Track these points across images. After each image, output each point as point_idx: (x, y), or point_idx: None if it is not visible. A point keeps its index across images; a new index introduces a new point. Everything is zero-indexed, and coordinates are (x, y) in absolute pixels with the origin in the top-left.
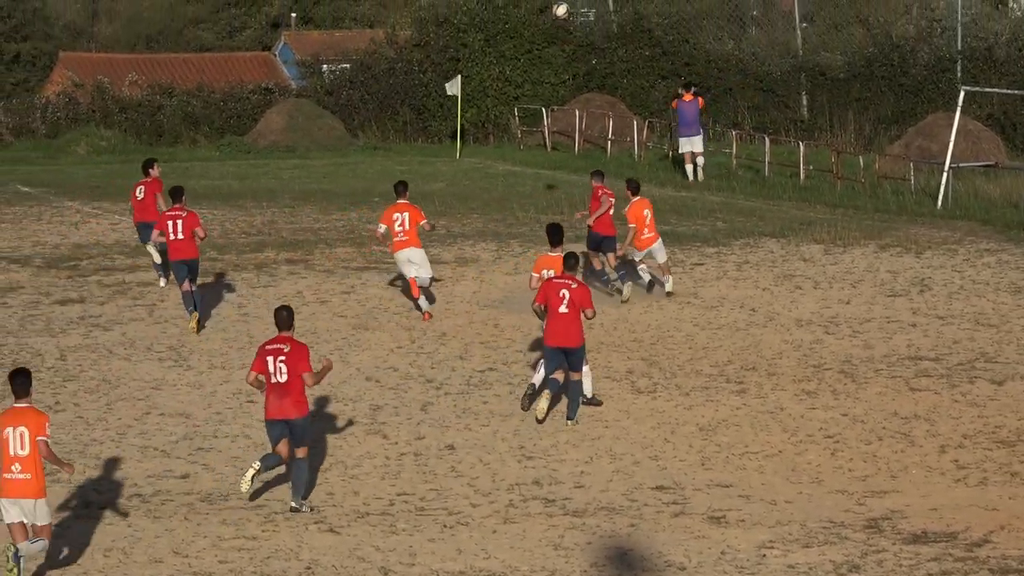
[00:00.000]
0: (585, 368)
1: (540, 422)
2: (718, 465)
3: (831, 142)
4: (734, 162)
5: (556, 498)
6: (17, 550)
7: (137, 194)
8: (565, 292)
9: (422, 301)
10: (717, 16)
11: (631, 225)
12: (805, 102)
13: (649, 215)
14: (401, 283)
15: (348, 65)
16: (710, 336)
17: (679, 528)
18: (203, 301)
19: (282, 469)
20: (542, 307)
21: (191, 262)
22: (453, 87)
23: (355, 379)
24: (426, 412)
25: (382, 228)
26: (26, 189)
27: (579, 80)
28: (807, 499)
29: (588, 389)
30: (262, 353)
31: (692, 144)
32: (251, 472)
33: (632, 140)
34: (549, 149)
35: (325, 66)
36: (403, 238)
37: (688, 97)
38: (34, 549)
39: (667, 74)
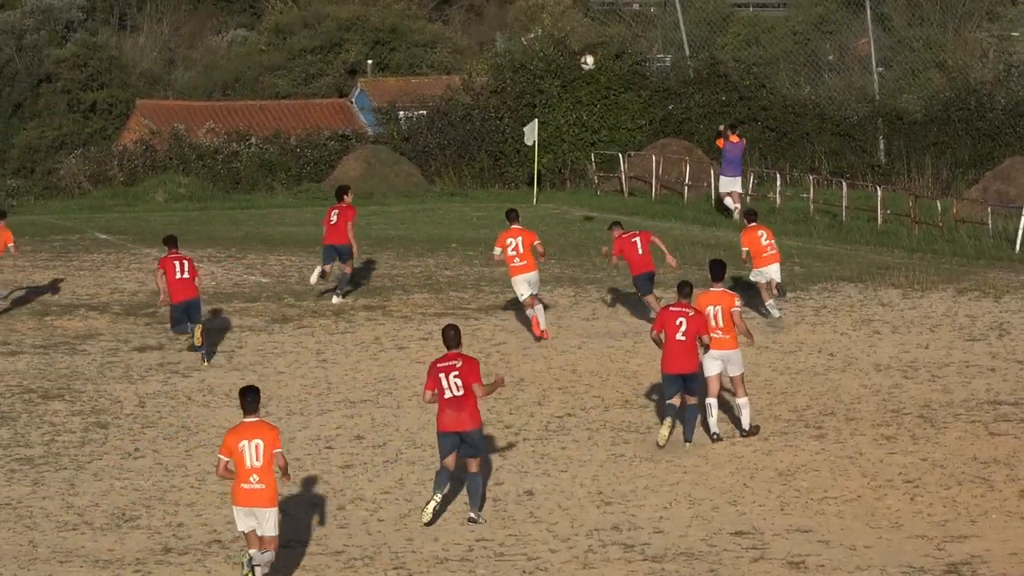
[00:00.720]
0: (744, 400)
1: (660, 447)
2: (797, 510)
3: (908, 186)
4: (811, 207)
5: (635, 543)
6: (251, 557)
7: (331, 218)
8: (682, 320)
9: (539, 310)
10: (793, 61)
11: (744, 248)
12: (882, 146)
13: (765, 236)
14: (512, 315)
15: (424, 111)
16: (788, 381)
17: (758, 573)
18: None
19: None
20: (661, 335)
21: (193, 302)
22: (531, 135)
23: (433, 426)
24: (504, 458)
25: (497, 251)
26: (104, 236)
27: (655, 125)
28: (886, 544)
29: (746, 421)
30: (434, 371)
31: (734, 184)
32: (432, 505)
33: (708, 185)
34: (626, 195)
35: (401, 112)
36: (521, 263)
37: (735, 139)
38: (264, 559)
39: (744, 119)
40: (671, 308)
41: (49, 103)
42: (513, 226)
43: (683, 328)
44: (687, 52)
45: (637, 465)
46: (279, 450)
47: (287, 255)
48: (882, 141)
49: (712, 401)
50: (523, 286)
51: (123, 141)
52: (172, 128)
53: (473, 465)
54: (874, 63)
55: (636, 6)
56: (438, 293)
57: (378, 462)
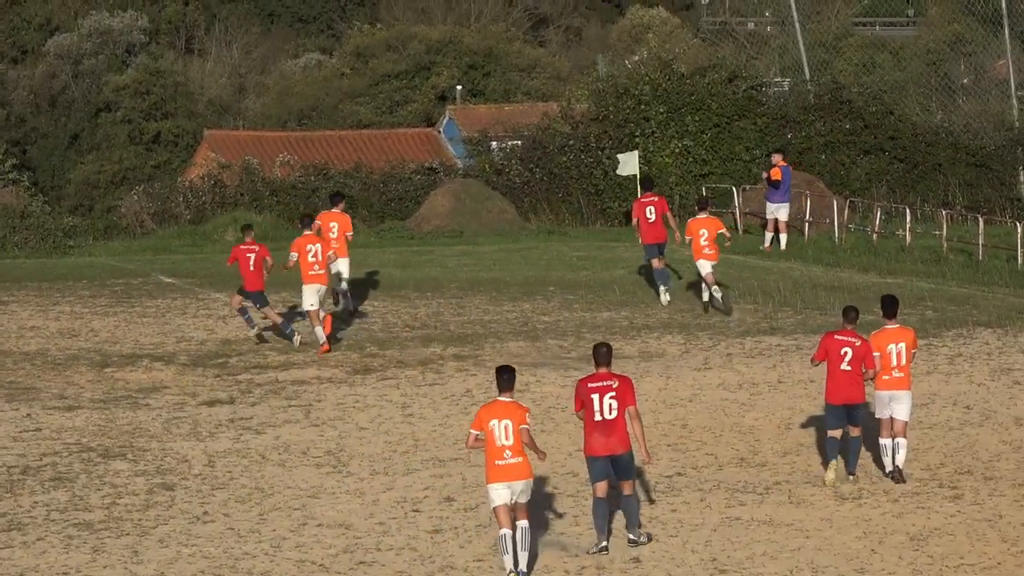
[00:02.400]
0: (903, 440)
1: (831, 486)
2: None
3: None
4: (944, 245)
5: None
6: (512, 532)
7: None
8: (848, 350)
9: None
10: (924, 85)
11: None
12: (1022, 178)
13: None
14: None
15: (519, 142)
16: (920, 436)
17: None
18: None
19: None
20: (819, 365)
21: None
22: (627, 166)
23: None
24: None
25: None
26: (169, 280)
27: (791, 161)
28: None
29: (901, 459)
30: (585, 391)
31: (780, 212)
32: (599, 551)
33: (831, 221)
34: (741, 232)
35: (494, 143)
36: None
37: (783, 163)
38: (522, 537)
39: (870, 149)
40: (836, 336)
41: (109, 134)
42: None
43: (848, 358)
44: (807, 75)
45: (754, 529)
46: (525, 426)
47: (369, 300)
48: (1022, 172)
49: (886, 442)
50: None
51: (189, 175)
52: (243, 161)
53: (627, 487)
54: (1013, 87)
55: (751, 25)
56: (535, 341)
57: (470, 526)
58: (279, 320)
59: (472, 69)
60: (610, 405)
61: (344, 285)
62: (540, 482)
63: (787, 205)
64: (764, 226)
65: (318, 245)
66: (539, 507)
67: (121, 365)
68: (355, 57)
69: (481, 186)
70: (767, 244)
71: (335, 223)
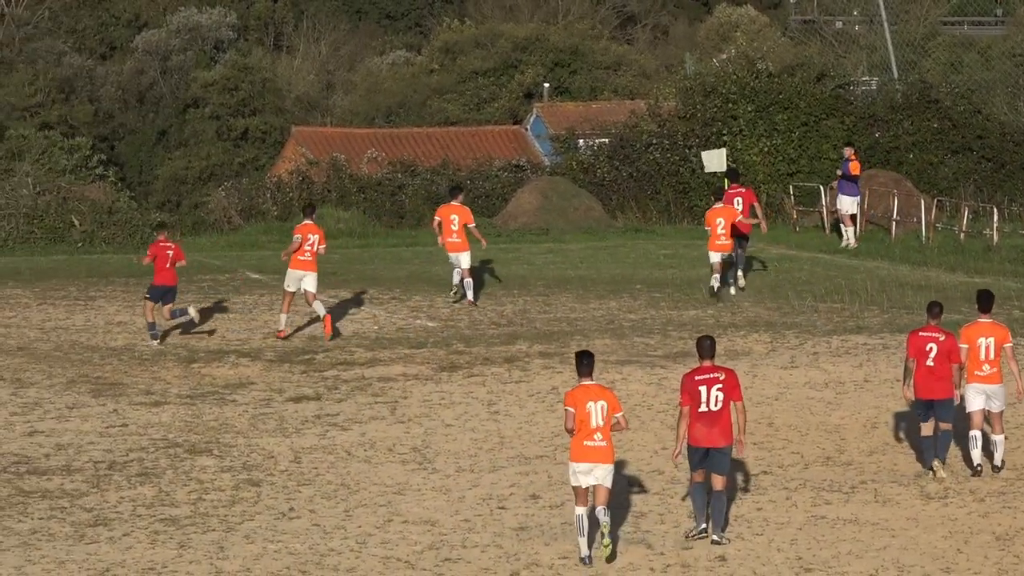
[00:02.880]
0: (1000, 437)
1: (939, 480)
2: None
3: None
4: None
5: None
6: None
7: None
8: (933, 346)
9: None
10: (1012, 85)
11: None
12: None
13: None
14: None
15: (606, 139)
16: (1008, 435)
17: None
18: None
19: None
20: (913, 362)
21: None
22: (713, 162)
23: (617, 482)
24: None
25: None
26: (256, 276)
27: (860, 155)
28: None
29: (999, 457)
30: (692, 383)
31: (854, 206)
32: (698, 535)
33: (919, 220)
34: (828, 231)
35: (581, 141)
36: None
37: (855, 156)
38: (607, 519)
39: (957, 148)
40: (920, 333)
41: (196, 130)
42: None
43: (933, 354)
44: (895, 74)
45: (840, 528)
46: (621, 413)
47: (460, 302)
48: None
49: (976, 433)
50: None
51: (277, 172)
52: (330, 158)
53: (718, 483)
54: None
55: (838, 24)
56: (621, 339)
57: (556, 524)
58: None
59: (558, 67)
60: (716, 397)
61: (467, 278)
62: (626, 480)
63: (858, 198)
64: (840, 223)
65: (317, 235)
66: (625, 505)
67: (208, 361)
68: (443, 54)
69: (568, 184)
70: (853, 240)
71: (455, 215)
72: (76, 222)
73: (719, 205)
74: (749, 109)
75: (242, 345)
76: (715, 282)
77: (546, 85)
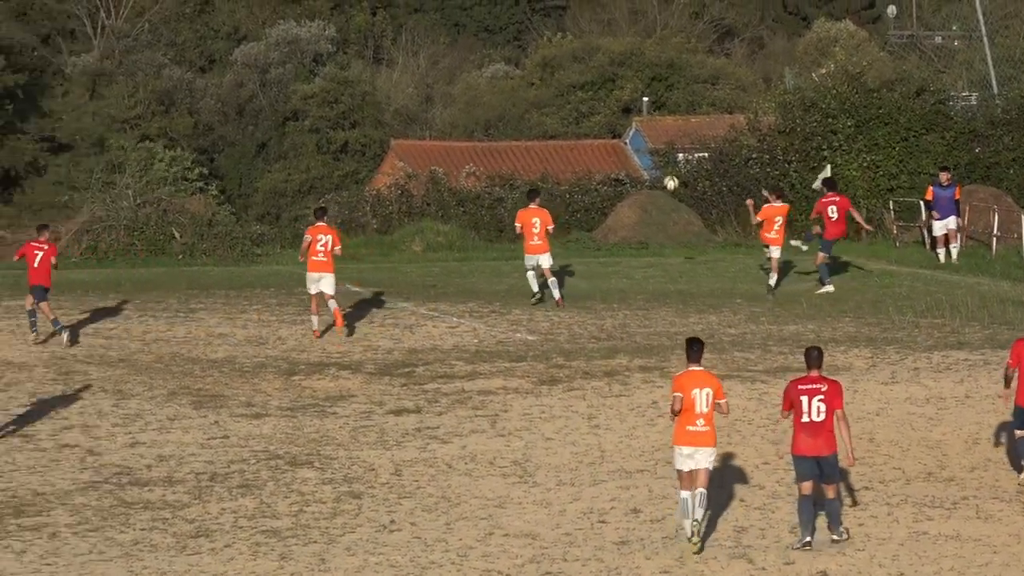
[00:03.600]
0: None
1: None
2: None
3: None
4: None
5: None
6: (685, 501)
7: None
8: None
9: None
10: None
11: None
12: None
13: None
14: None
15: (705, 154)
16: None
17: None
18: (547, 411)
19: None
20: (1015, 370)
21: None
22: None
23: (718, 496)
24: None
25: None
26: (356, 289)
27: (960, 171)
28: None
29: None
30: (795, 392)
31: (951, 223)
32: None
33: (1019, 237)
34: (927, 247)
35: (680, 155)
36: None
37: (947, 180)
38: (700, 511)
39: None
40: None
41: (296, 143)
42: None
43: None
44: (995, 89)
45: (942, 544)
46: (724, 400)
47: (556, 311)
48: None
49: None
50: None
51: (376, 185)
52: (429, 171)
53: (830, 491)
54: None
55: (938, 39)
56: (721, 353)
57: (656, 538)
58: (51, 316)
59: (656, 81)
60: (818, 407)
61: (550, 278)
62: (727, 494)
63: (955, 218)
64: (935, 243)
65: (329, 236)
66: (726, 519)
67: (308, 373)
68: (541, 67)
69: (667, 198)
70: (942, 259)
71: (537, 218)
72: (176, 234)
73: (778, 203)
74: (849, 124)
75: (342, 358)
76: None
77: (645, 99)
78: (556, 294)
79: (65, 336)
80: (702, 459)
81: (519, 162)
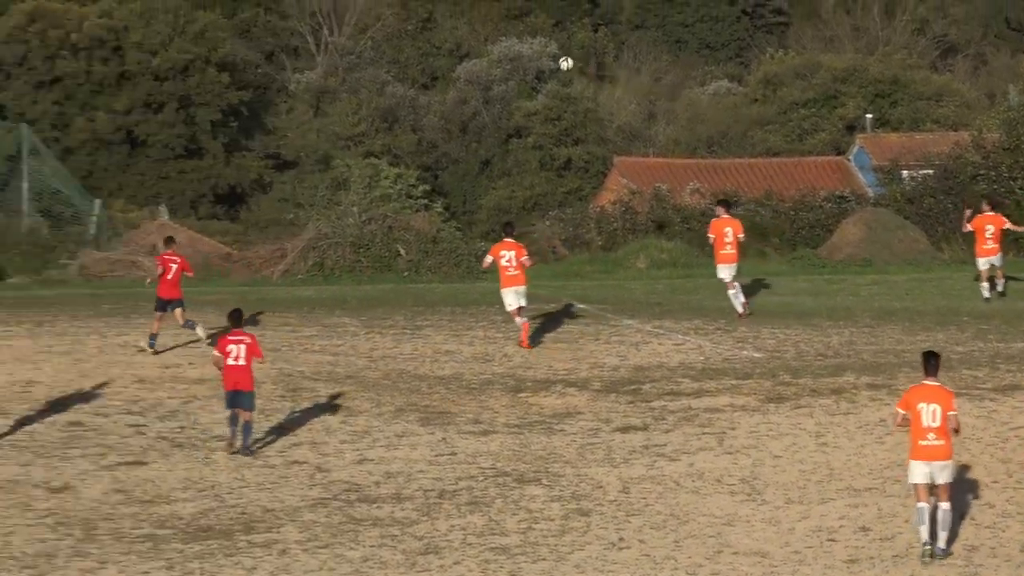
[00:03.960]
0: None
1: None
2: None
3: None
4: None
5: None
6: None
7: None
8: None
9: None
10: None
11: None
12: None
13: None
14: None
15: (930, 171)
16: None
17: None
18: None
19: None
20: None
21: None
22: None
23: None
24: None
25: (488, 260)
26: (582, 306)
27: None
28: None
29: None
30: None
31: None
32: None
33: None
34: None
35: (905, 172)
36: (512, 273)
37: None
38: (944, 533)
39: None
40: None
41: (519, 160)
42: (506, 240)
43: None
44: None
45: None
46: (953, 413)
47: (782, 327)
48: None
49: None
50: (511, 297)
51: (600, 202)
52: (653, 188)
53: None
54: None
55: None
56: (949, 371)
57: (887, 556)
58: (182, 321)
59: (879, 97)
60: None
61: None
62: (957, 513)
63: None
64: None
65: (512, 251)
66: (957, 537)
67: (535, 390)
68: (764, 84)
69: (892, 215)
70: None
71: (729, 228)
72: (402, 251)
73: (991, 213)
74: None
75: (569, 375)
76: (985, 291)
77: (869, 116)
78: (738, 305)
79: (199, 330)
80: (937, 473)
81: (743, 179)
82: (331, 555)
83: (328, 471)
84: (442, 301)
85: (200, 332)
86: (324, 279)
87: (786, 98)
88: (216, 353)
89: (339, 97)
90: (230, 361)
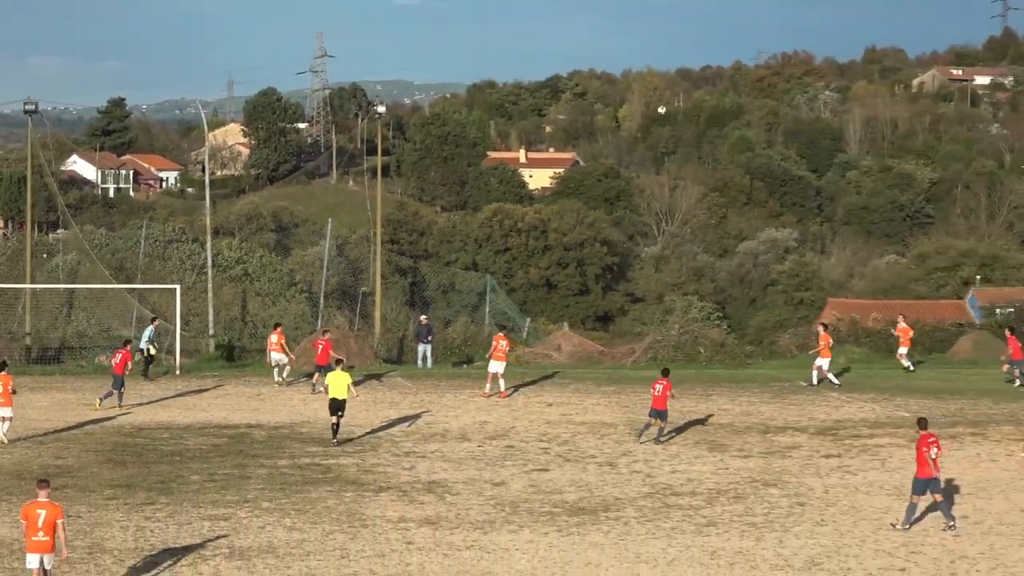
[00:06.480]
0: None
1: None
2: None
3: None
4: None
5: None
6: None
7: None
8: None
9: None
10: None
11: None
12: None
13: None
14: None
15: (1012, 309)
16: None
17: None
18: None
19: None
20: None
21: None
22: None
23: None
24: None
25: None
26: (802, 383)
27: None
28: None
29: None
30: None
31: None
32: None
33: None
34: None
35: (998, 310)
36: None
37: None
38: None
39: None
40: None
41: (773, 300)
42: None
43: None
44: None
45: None
46: None
47: (920, 398)
48: None
49: None
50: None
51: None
52: (850, 316)
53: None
54: None
55: None
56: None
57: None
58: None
59: (984, 266)
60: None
61: None
62: None
63: None
64: None
65: None
66: None
67: (776, 432)
68: (918, 258)
69: (989, 335)
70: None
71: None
72: (702, 351)
73: None
74: None
75: (796, 424)
76: None
77: (978, 277)
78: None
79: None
80: None
81: (903, 312)
82: (653, 526)
83: (653, 476)
84: (720, 380)
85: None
86: (656, 366)
87: (929, 265)
88: None
89: (669, 261)
90: None
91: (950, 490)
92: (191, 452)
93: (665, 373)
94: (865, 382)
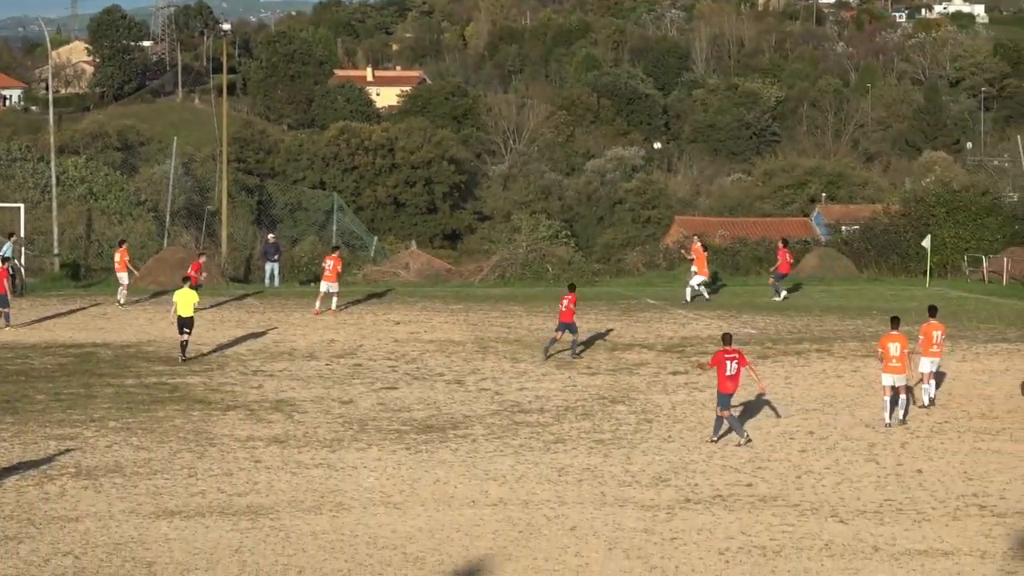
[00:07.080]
0: None
1: None
2: None
3: None
4: None
5: None
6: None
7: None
8: None
9: None
10: None
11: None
12: None
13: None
14: None
15: (857, 226)
16: None
17: None
18: None
19: None
20: None
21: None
22: (925, 242)
23: None
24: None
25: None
26: (652, 301)
27: (1006, 239)
28: None
29: None
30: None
31: None
32: None
33: None
34: (986, 282)
35: (843, 227)
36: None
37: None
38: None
39: None
40: None
41: (621, 217)
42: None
43: None
44: None
45: (990, 455)
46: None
47: (765, 316)
48: None
49: None
50: None
51: (666, 242)
52: (696, 233)
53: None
54: None
55: (995, 162)
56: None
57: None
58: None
59: (830, 184)
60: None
61: None
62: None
63: None
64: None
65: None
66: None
67: (624, 350)
68: (764, 175)
69: (835, 252)
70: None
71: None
72: (549, 269)
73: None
74: (942, 211)
75: (644, 341)
76: None
77: (823, 194)
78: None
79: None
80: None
81: (748, 230)
82: (501, 443)
83: (501, 394)
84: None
85: None
86: (504, 284)
87: (776, 183)
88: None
89: (517, 179)
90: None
91: (759, 406)
92: (36, 372)
93: (572, 288)
94: (712, 299)
